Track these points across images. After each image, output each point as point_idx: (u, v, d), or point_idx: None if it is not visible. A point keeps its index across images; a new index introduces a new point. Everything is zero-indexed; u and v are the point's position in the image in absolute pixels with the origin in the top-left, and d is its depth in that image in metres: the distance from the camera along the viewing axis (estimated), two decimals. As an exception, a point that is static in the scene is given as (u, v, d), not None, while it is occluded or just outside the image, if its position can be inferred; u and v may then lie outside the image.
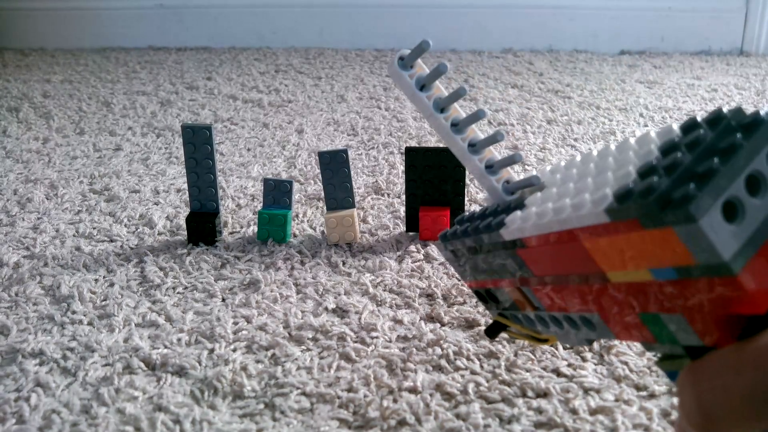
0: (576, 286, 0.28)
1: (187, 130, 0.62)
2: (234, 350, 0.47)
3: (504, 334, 0.46)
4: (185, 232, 0.65)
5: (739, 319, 0.22)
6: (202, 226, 0.63)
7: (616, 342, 0.46)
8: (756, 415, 0.21)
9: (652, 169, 0.23)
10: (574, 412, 0.40)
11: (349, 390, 0.42)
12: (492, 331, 0.37)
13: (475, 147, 0.36)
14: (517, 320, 0.35)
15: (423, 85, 0.36)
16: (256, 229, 0.66)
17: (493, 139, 0.35)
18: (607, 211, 0.23)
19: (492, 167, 0.36)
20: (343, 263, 0.59)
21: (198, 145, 0.62)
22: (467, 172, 0.35)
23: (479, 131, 0.37)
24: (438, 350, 0.46)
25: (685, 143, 0.23)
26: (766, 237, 0.21)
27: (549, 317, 0.32)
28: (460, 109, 0.37)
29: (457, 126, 0.36)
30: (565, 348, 0.46)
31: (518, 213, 0.30)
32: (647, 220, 0.21)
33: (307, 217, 0.69)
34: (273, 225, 0.63)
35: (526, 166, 0.83)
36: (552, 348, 0.46)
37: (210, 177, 0.63)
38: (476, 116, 0.35)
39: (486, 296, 0.37)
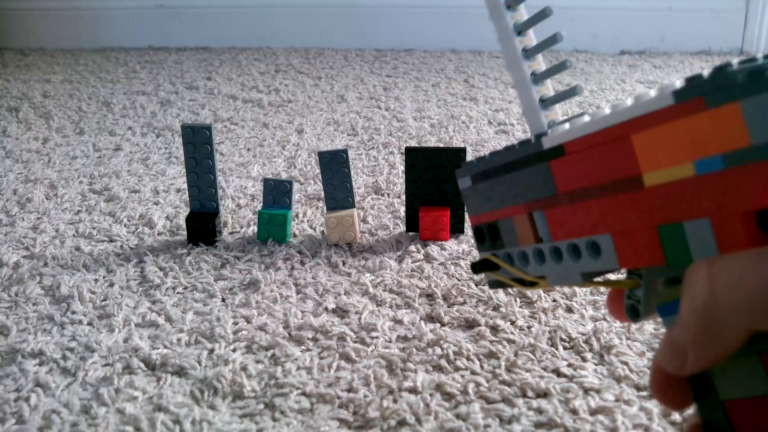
0: (598, 201, 0.28)
1: (187, 129, 0.62)
2: (234, 350, 0.47)
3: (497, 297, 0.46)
4: (185, 232, 0.65)
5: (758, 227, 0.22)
6: (202, 226, 0.63)
7: (616, 342, 0.46)
8: (764, 305, 0.21)
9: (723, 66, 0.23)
10: (574, 412, 0.40)
11: (349, 390, 0.42)
12: (479, 267, 0.36)
13: (535, 77, 0.35)
14: (510, 261, 0.34)
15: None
16: (256, 229, 0.66)
17: (562, 67, 0.34)
18: (674, 93, 0.24)
19: (545, 101, 0.35)
20: (343, 263, 0.59)
21: (198, 145, 0.62)
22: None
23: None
24: (438, 350, 0.46)
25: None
26: None
27: (549, 249, 0.31)
28: (533, 38, 0.35)
29: (527, 52, 0.35)
30: (565, 348, 0.46)
31: (565, 125, 0.30)
32: (715, 96, 0.22)
33: (307, 217, 0.69)
34: (273, 225, 0.63)
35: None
36: (552, 348, 0.46)
37: (210, 177, 0.63)
38: (554, 39, 0.34)
39: (486, 233, 0.36)
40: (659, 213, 0.25)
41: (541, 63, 0.36)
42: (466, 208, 0.37)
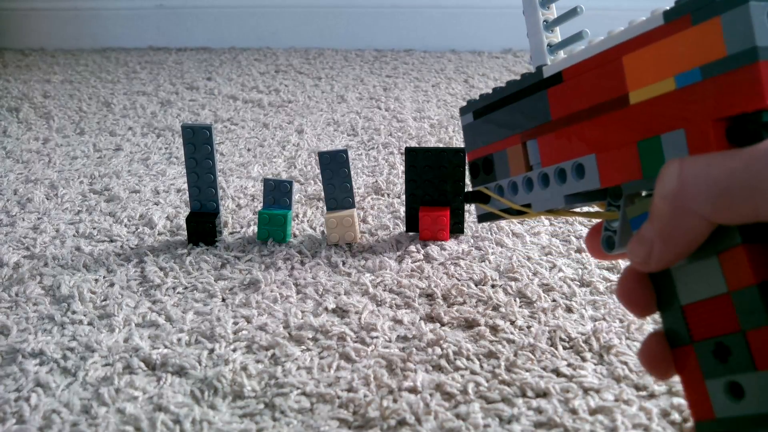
0: (587, 123, 0.30)
1: (187, 130, 0.62)
2: (234, 350, 0.47)
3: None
4: (185, 232, 0.65)
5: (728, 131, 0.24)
6: (202, 226, 0.63)
7: (616, 342, 0.46)
8: (728, 196, 0.23)
9: None
10: (573, 412, 0.40)
11: (349, 390, 0.42)
12: (471, 198, 0.38)
13: (548, 24, 0.38)
14: (500, 193, 0.36)
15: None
16: (256, 229, 0.66)
17: (573, 13, 0.36)
18: (664, 13, 0.26)
19: (547, 23, 0.37)
20: (343, 263, 0.59)
21: (198, 145, 0.62)
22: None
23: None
24: (438, 350, 0.46)
25: None
26: None
27: (538, 176, 0.33)
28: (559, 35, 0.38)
29: (551, 47, 0.38)
30: (565, 347, 0.46)
31: (562, 55, 0.32)
32: (699, 13, 0.24)
33: (307, 217, 0.69)
34: (273, 225, 0.63)
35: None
36: (551, 348, 0.46)
37: (210, 177, 0.63)
38: (579, 36, 0.36)
39: (481, 167, 0.38)
40: (641, 128, 0.27)
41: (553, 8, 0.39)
42: (465, 146, 0.39)
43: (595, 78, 0.29)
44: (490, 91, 0.35)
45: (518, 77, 0.34)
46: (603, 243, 0.32)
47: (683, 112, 0.25)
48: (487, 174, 0.37)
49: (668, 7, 0.26)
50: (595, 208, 0.36)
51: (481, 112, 0.37)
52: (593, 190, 0.30)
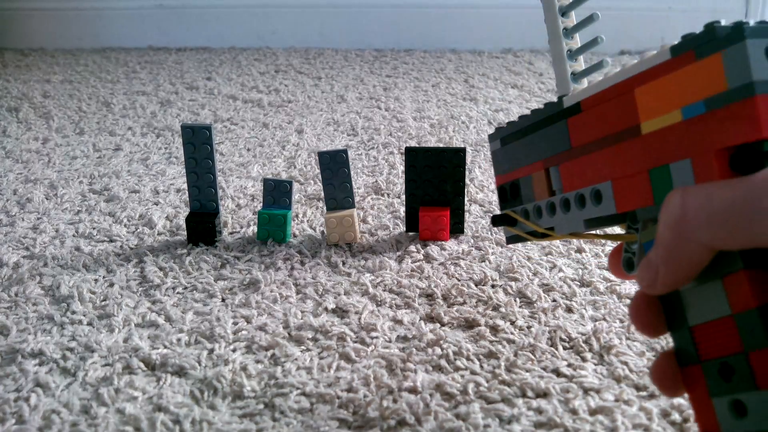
0: (603, 152, 0.31)
1: (187, 129, 0.62)
2: (234, 350, 0.47)
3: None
4: (185, 232, 0.65)
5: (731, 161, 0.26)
6: (202, 226, 0.63)
7: (616, 342, 0.46)
8: (727, 225, 0.24)
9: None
10: (573, 412, 0.40)
11: (349, 390, 0.42)
12: (499, 221, 0.40)
13: (567, 31, 0.40)
14: (525, 216, 0.38)
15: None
16: (256, 229, 0.66)
17: (589, 20, 0.38)
18: (671, 48, 0.27)
19: (572, 52, 0.39)
20: (343, 263, 0.59)
21: (198, 145, 0.62)
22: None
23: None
24: (438, 350, 0.46)
25: None
26: None
27: (560, 201, 0.35)
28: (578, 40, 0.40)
29: (571, 52, 0.40)
30: (565, 348, 0.46)
31: (585, 83, 0.35)
32: (702, 49, 0.26)
33: (307, 217, 0.69)
34: (273, 225, 0.63)
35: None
36: (552, 348, 0.46)
37: (210, 177, 0.63)
38: (595, 42, 0.39)
39: (508, 191, 0.40)
40: (651, 157, 0.29)
41: (581, 61, 0.40)
42: (493, 170, 0.41)
43: (610, 109, 0.31)
44: (515, 118, 0.37)
45: (542, 107, 0.36)
46: (623, 264, 0.33)
47: (689, 142, 0.27)
48: (514, 198, 0.39)
49: (675, 43, 0.27)
50: (617, 230, 0.36)
51: (507, 139, 0.39)
52: (610, 215, 0.32)
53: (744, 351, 0.25)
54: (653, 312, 0.29)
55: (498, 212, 0.40)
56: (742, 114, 0.25)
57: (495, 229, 0.64)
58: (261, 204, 0.73)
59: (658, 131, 0.28)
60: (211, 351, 0.47)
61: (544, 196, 0.36)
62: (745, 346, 0.25)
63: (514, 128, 0.38)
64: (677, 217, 0.26)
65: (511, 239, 0.41)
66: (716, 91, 0.25)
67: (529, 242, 0.43)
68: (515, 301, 0.52)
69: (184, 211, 0.71)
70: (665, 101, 0.28)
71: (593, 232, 0.36)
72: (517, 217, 0.39)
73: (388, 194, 0.75)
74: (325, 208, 0.66)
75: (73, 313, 0.52)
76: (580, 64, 0.40)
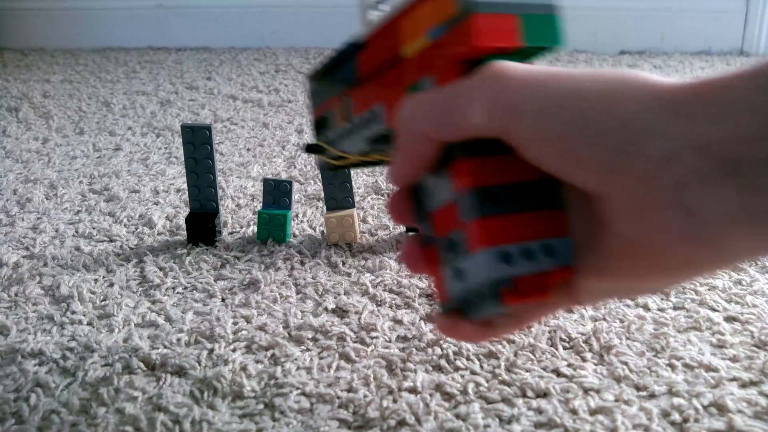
0: (379, 78, 0.36)
1: (187, 129, 0.62)
2: (234, 350, 0.47)
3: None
4: (185, 232, 0.65)
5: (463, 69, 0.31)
6: (202, 226, 0.63)
7: (616, 342, 0.46)
8: (439, 117, 0.29)
9: None
10: (573, 412, 0.40)
11: (349, 390, 0.42)
12: (309, 149, 0.43)
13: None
14: (332, 144, 0.42)
15: None
16: (255, 229, 0.66)
17: None
18: None
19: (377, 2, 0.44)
20: (343, 263, 0.59)
21: (197, 145, 0.62)
22: None
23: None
24: (438, 350, 0.46)
25: None
26: (509, 11, 0.30)
27: (352, 125, 0.39)
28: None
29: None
30: (565, 348, 0.46)
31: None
32: None
33: (307, 217, 0.69)
34: (273, 225, 0.63)
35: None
36: (552, 348, 0.46)
37: (209, 177, 0.63)
38: None
39: (320, 123, 0.44)
40: (410, 77, 0.33)
41: None
42: (311, 107, 0.45)
43: (384, 40, 0.35)
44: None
45: (342, 46, 0.40)
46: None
47: (435, 59, 0.31)
48: (324, 129, 0.43)
49: None
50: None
51: (318, 76, 0.43)
52: (386, 132, 0.36)
53: (461, 225, 0.30)
54: (405, 204, 0.34)
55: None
56: (465, 31, 0.29)
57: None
58: (261, 204, 0.73)
59: (416, 55, 0.33)
60: (211, 351, 0.47)
61: (343, 123, 0.41)
62: (462, 220, 0.30)
63: (322, 67, 0.42)
64: (404, 115, 0.31)
65: (323, 166, 0.44)
66: (450, 14, 0.30)
67: (339, 170, 0.47)
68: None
69: (184, 211, 0.71)
70: (418, 28, 0.32)
71: (379, 153, 0.40)
72: (325, 145, 0.43)
73: (388, 194, 0.75)
74: (325, 208, 0.66)
75: (73, 313, 0.52)
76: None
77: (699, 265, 0.27)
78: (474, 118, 0.28)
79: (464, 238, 0.30)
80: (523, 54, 0.32)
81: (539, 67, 0.29)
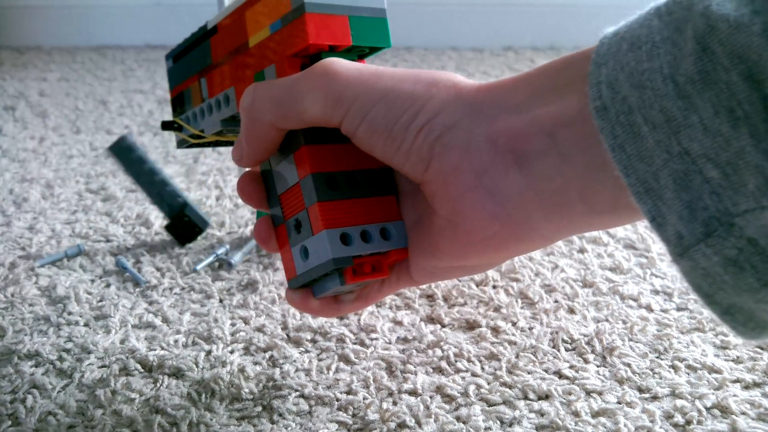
0: (229, 64, 0.39)
1: (111, 151, 0.63)
2: (232, 352, 0.46)
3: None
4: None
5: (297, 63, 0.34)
6: (181, 223, 0.62)
7: (619, 343, 0.46)
8: (281, 106, 0.32)
9: None
10: (576, 414, 0.39)
11: (348, 392, 0.42)
12: (166, 126, 0.45)
13: None
14: (189, 122, 0.44)
15: None
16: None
17: None
18: None
19: None
20: (342, 263, 0.58)
21: (129, 159, 0.62)
22: None
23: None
24: (438, 352, 0.45)
25: None
26: (341, 12, 0.33)
27: (206, 105, 0.42)
28: None
29: None
30: (567, 349, 0.46)
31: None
32: None
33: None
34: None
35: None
36: (554, 349, 0.45)
37: (158, 177, 0.63)
38: None
39: (177, 102, 0.46)
40: (255, 65, 0.36)
41: None
42: (169, 86, 0.47)
43: (232, 28, 0.38)
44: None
45: (197, 29, 0.42)
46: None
47: (274, 51, 0.34)
48: (181, 108, 0.46)
49: None
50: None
51: (176, 57, 0.45)
52: (237, 115, 0.39)
53: (306, 208, 0.33)
54: (255, 186, 0.37)
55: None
56: (298, 27, 0.33)
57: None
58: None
59: (258, 44, 0.36)
60: (209, 352, 0.46)
61: (198, 103, 0.43)
62: (306, 203, 0.33)
63: (179, 48, 0.44)
64: (248, 103, 0.33)
65: (180, 143, 0.46)
66: (286, 11, 0.33)
67: (196, 148, 0.51)
68: (517, 302, 0.51)
69: (182, 211, 0.70)
70: (261, 20, 0.35)
71: (233, 134, 0.42)
72: (182, 123, 0.45)
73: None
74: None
75: (70, 314, 0.52)
76: None
77: (511, 240, 0.30)
78: (308, 109, 0.31)
79: (308, 220, 0.33)
80: (357, 52, 0.35)
81: (367, 65, 0.32)
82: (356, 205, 0.33)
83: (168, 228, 0.63)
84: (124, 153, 0.62)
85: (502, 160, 0.28)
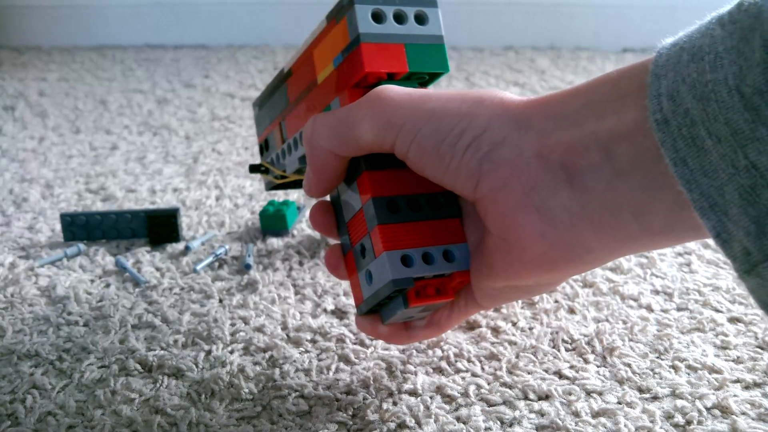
0: (303, 102, 0.40)
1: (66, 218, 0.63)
2: (231, 352, 0.46)
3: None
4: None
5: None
6: (160, 222, 0.62)
7: (619, 343, 0.46)
8: (338, 134, 0.33)
9: None
10: (576, 414, 0.39)
11: (348, 392, 0.42)
12: (253, 169, 0.48)
13: None
14: (274, 164, 0.46)
15: None
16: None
17: None
18: (326, 16, 0.36)
19: None
20: (342, 263, 0.58)
21: (81, 229, 0.63)
22: None
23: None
24: (438, 352, 0.45)
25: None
26: (397, 41, 0.34)
27: (287, 146, 0.43)
28: None
29: None
30: (567, 349, 0.46)
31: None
32: (338, 14, 0.35)
33: (305, 217, 0.68)
34: (275, 220, 0.63)
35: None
36: (554, 350, 0.45)
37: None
38: None
39: (264, 146, 0.48)
40: (324, 100, 0.37)
41: None
42: (257, 132, 0.49)
43: (303, 69, 0.39)
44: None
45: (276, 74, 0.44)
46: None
47: (338, 83, 0.35)
48: (267, 151, 0.47)
49: (327, 13, 0.36)
50: None
51: (261, 103, 0.47)
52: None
53: (368, 232, 0.34)
54: (326, 216, 0.37)
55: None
56: (356, 57, 0.33)
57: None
58: (259, 204, 0.72)
59: (325, 80, 0.37)
60: (209, 353, 0.46)
61: (280, 145, 0.44)
62: (368, 227, 0.34)
63: (264, 94, 0.46)
64: (308, 133, 0.34)
65: (267, 185, 0.48)
66: (345, 43, 0.34)
67: (282, 189, 0.53)
68: (517, 302, 0.51)
69: (181, 211, 0.70)
70: (326, 57, 0.36)
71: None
72: (268, 165, 0.47)
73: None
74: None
75: (69, 314, 0.52)
76: None
77: (560, 261, 0.29)
78: (363, 134, 0.32)
79: (371, 243, 0.34)
80: (416, 79, 0.35)
81: (415, 90, 0.32)
82: (418, 228, 0.33)
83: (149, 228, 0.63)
84: None
85: (552, 177, 0.28)
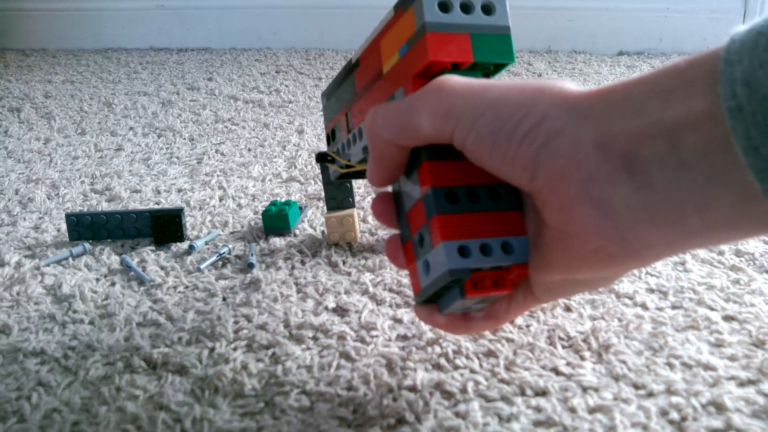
0: (369, 92, 0.40)
1: (72, 218, 0.63)
2: (234, 349, 0.47)
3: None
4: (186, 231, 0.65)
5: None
6: (166, 223, 0.63)
7: (615, 341, 0.46)
8: (397, 123, 0.33)
9: None
10: (572, 410, 0.40)
11: (349, 388, 0.43)
12: (319, 158, 0.48)
13: None
14: (339, 154, 0.46)
15: None
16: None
17: None
18: (394, 6, 0.36)
19: None
20: (343, 263, 0.59)
21: (87, 229, 0.63)
22: None
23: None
24: (437, 349, 0.46)
25: None
26: (463, 30, 0.34)
27: (352, 135, 0.43)
28: None
29: None
30: (564, 346, 0.46)
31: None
32: (405, 4, 0.35)
33: (307, 217, 0.69)
34: (278, 221, 0.63)
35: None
36: (550, 347, 0.46)
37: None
38: None
39: (330, 136, 0.48)
40: (389, 90, 0.37)
41: None
42: (324, 122, 0.49)
43: (370, 59, 0.39)
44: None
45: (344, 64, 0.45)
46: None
47: (403, 73, 0.35)
48: (334, 141, 0.47)
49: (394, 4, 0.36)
50: None
51: (329, 94, 0.47)
52: None
53: (426, 221, 0.33)
54: (386, 207, 0.37)
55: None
56: (421, 46, 0.33)
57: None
58: (261, 204, 0.73)
59: (390, 70, 0.37)
60: (212, 350, 0.47)
61: (346, 135, 0.44)
62: (426, 217, 0.33)
63: (332, 85, 0.46)
64: (369, 123, 0.34)
65: (334, 175, 0.48)
66: (411, 33, 0.34)
67: (348, 179, 0.54)
68: (514, 300, 0.52)
69: (186, 211, 0.71)
70: (392, 46, 0.36)
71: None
72: (333, 154, 0.47)
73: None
74: (325, 208, 0.66)
75: (75, 312, 0.52)
76: None
77: (618, 256, 0.28)
78: (422, 124, 0.31)
79: (428, 233, 0.33)
80: (481, 69, 0.35)
81: (476, 80, 0.31)
82: (477, 219, 0.33)
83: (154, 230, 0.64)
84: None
85: (612, 168, 0.27)
